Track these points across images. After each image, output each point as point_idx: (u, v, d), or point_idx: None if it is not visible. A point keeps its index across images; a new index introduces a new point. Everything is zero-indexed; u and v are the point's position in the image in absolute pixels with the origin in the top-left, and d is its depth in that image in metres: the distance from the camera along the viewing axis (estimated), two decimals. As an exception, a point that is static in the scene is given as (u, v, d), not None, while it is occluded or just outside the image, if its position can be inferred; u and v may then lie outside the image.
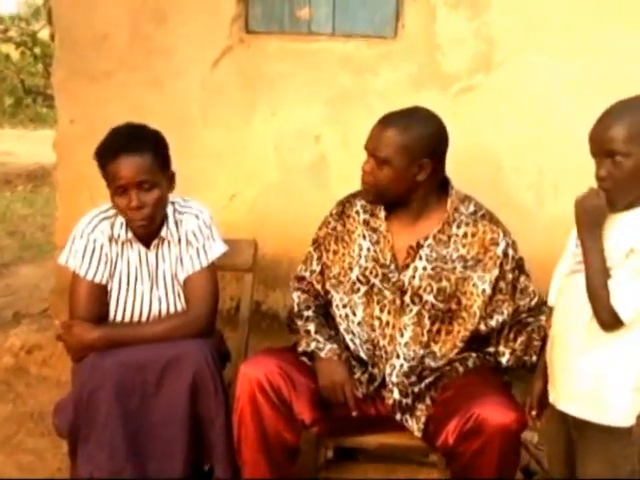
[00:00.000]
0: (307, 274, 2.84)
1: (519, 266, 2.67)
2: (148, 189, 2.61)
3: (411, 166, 2.56)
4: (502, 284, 2.63)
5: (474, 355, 2.68)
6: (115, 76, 3.78)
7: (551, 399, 2.33)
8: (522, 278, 2.67)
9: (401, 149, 2.54)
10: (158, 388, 2.58)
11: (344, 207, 2.80)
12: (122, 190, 2.60)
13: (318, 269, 2.82)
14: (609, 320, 2.12)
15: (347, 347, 2.70)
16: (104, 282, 2.74)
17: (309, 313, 2.77)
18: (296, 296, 2.84)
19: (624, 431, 2.19)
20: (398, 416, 2.63)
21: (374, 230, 2.70)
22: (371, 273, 2.67)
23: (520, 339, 2.65)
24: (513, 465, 2.50)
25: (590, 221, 2.18)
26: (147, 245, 2.77)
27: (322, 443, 2.76)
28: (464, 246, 2.62)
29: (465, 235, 2.63)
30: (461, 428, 2.39)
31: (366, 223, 2.72)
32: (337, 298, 2.74)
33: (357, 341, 2.70)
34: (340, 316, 2.73)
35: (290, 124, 3.72)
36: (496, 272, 2.62)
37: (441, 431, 2.45)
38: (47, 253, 5.66)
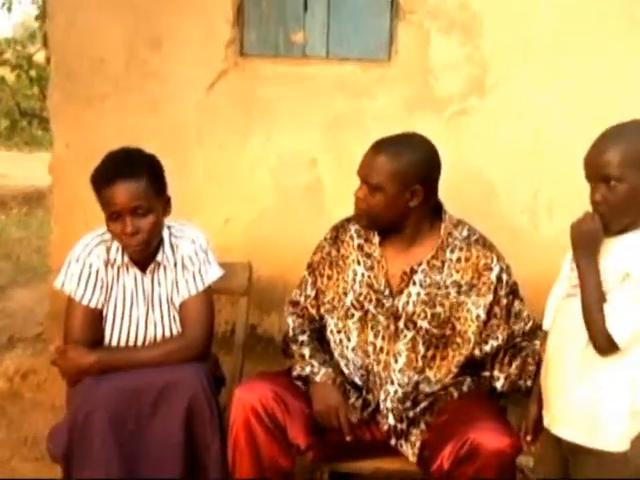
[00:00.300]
0: (302, 299, 2.84)
1: (513, 291, 2.66)
2: (143, 214, 2.60)
3: (403, 192, 2.56)
4: (496, 309, 2.63)
5: (469, 379, 2.68)
6: (111, 99, 3.79)
7: (546, 423, 2.33)
8: (516, 303, 2.66)
9: (393, 176, 2.54)
10: (154, 413, 2.57)
11: (338, 232, 2.79)
12: (117, 215, 2.60)
13: (313, 294, 2.81)
14: (605, 344, 2.12)
15: (342, 372, 2.69)
16: (99, 307, 2.74)
17: (304, 337, 2.77)
18: (291, 320, 2.84)
19: (619, 456, 2.18)
20: (393, 441, 2.62)
21: (368, 255, 2.70)
22: (365, 299, 2.67)
23: (515, 364, 2.64)
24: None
25: (586, 245, 2.18)
26: (143, 269, 2.76)
27: (317, 468, 2.74)
28: (458, 271, 2.62)
29: (459, 260, 2.63)
30: (456, 453, 2.38)
31: (360, 248, 2.72)
32: (332, 323, 2.73)
33: (351, 367, 2.69)
34: (334, 341, 2.73)
35: (285, 147, 3.73)
36: (490, 297, 2.62)
37: (436, 456, 2.44)
38: (42, 276, 5.63)
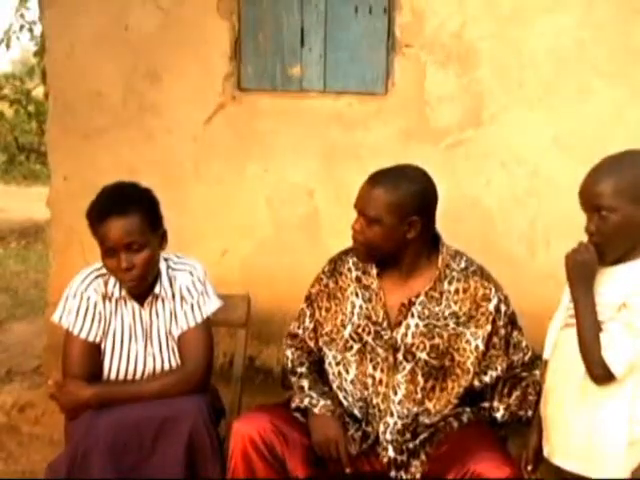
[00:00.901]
0: (300, 331, 2.84)
1: (512, 321, 2.66)
2: (137, 250, 2.60)
3: (401, 224, 2.55)
4: (495, 340, 2.62)
5: (468, 410, 2.66)
6: (108, 133, 3.82)
7: (545, 453, 2.32)
8: (515, 333, 2.66)
9: (390, 208, 2.53)
10: (154, 447, 2.56)
11: (336, 264, 2.79)
12: (112, 251, 2.60)
13: (311, 326, 2.81)
14: (601, 374, 2.12)
15: (340, 404, 2.68)
16: (97, 340, 2.73)
17: (302, 370, 2.76)
18: (289, 353, 2.83)
19: (618, 485, 2.18)
20: (393, 473, 2.60)
21: (366, 288, 2.70)
22: (364, 331, 2.66)
23: (515, 394, 2.63)
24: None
25: (581, 275, 2.19)
26: (141, 302, 2.76)
27: (316, 500, 2.73)
28: (456, 302, 2.62)
29: (457, 291, 2.63)
30: None
31: (358, 280, 2.72)
32: (330, 355, 2.73)
33: (350, 399, 2.68)
34: (333, 374, 2.72)
35: (282, 180, 3.75)
36: (489, 328, 2.61)
37: (437, 488, 2.43)
38: (40, 310, 5.62)
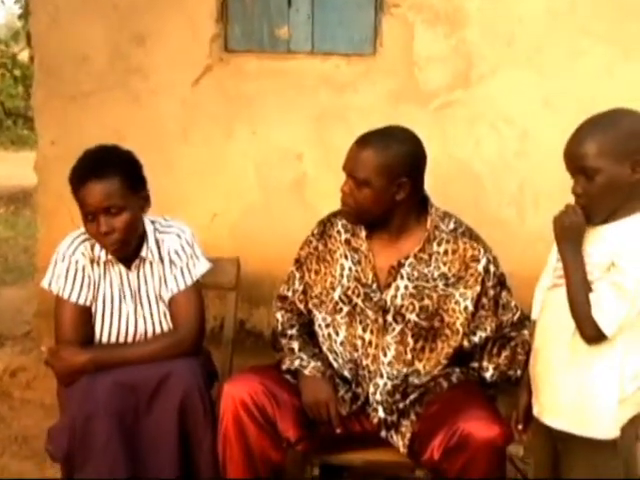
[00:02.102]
0: (289, 293, 2.84)
1: (501, 282, 2.67)
2: (116, 213, 2.59)
3: (390, 186, 2.55)
4: (484, 300, 2.64)
5: (458, 370, 2.68)
6: (95, 96, 3.78)
7: (535, 412, 2.33)
8: (504, 293, 2.67)
9: (379, 169, 2.53)
10: (149, 409, 2.58)
11: (325, 227, 2.79)
12: (91, 216, 2.59)
13: (300, 288, 2.81)
14: (592, 333, 2.13)
15: (331, 366, 2.69)
16: (88, 304, 2.74)
17: (293, 332, 2.77)
18: (279, 315, 2.84)
19: (609, 443, 2.19)
20: (383, 433, 2.62)
21: (355, 250, 2.70)
22: (353, 293, 2.67)
23: (504, 354, 2.65)
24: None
25: (569, 237, 2.20)
26: (128, 266, 2.75)
27: (308, 461, 2.74)
28: (445, 264, 2.63)
29: (446, 253, 2.63)
30: (446, 443, 2.39)
31: (347, 243, 2.72)
32: (319, 318, 2.73)
33: (340, 360, 2.69)
34: (323, 336, 2.73)
35: (271, 142, 3.73)
36: (478, 289, 2.62)
37: (426, 447, 2.45)
38: (30, 275, 5.61)
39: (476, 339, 2.65)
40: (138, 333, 2.77)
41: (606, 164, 2.12)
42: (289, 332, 2.77)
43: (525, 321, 2.64)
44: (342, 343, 2.68)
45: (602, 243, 2.16)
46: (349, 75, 3.64)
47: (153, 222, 2.79)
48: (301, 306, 2.82)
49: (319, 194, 3.63)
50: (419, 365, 2.64)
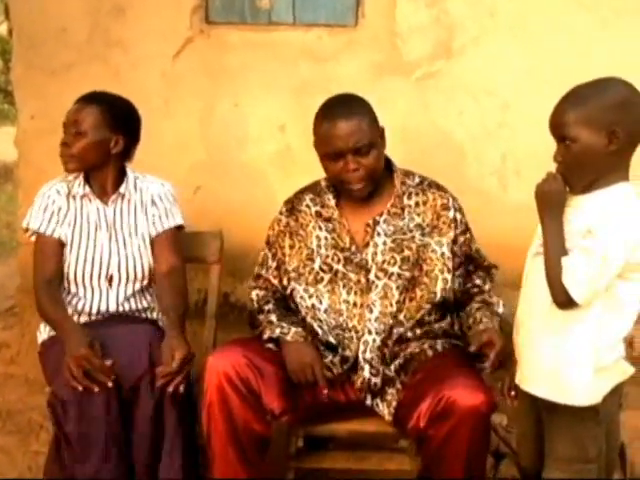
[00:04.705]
0: (263, 271, 2.87)
1: (469, 229, 2.79)
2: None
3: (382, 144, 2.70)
4: (456, 247, 2.73)
5: (443, 340, 2.73)
6: (75, 69, 3.74)
7: (517, 380, 2.36)
8: (473, 240, 2.80)
9: (373, 129, 2.66)
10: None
11: (293, 203, 2.84)
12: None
13: (274, 265, 2.84)
14: (562, 299, 2.15)
15: (316, 333, 2.71)
16: (64, 239, 2.82)
17: (269, 306, 2.79)
18: (254, 294, 2.86)
19: (590, 411, 2.22)
20: (368, 401, 2.64)
21: (328, 219, 2.74)
22: (333, 260, 2.70)
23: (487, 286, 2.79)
24: (484, 448, 2.52)
25: (549, 204, 2.21)
26: (105, 201, 2.87)
27: (292, 432, 2.76)
28: (419, 214, 2.71)
29: (417, 204, 2.73)
30: (432, 411, 2.42)
31: (318, 215, 2.77)
32: (300, 290, 2.75)
33: (325, 327, 2.71)
34: (307, 307, 2.74)
35: (253, 115, 3.71)
36: (451, 235, 2.72)
37: (412, 414, 2.47)
38: (12, 251, 5.60)
39: (455, 285, 2.75)
40: (112, 265, 2.85)
41: (583, 133, 2.13)
42: (266, 307, 2.79)
43: (492, 270, 2.82)
44: (326, 311, 2.70)
45: (581, 212, 2.18)
46: (331, 46, 3.61)
47: (136, 176, 2.93)
48: (275, 282, 2.84)
49: (302, 165, 3.61)
50: (401, 315, 2.67)
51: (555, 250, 2.16)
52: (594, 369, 2.19)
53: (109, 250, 2.84)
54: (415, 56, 3.58)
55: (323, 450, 2.92)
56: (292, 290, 2.77)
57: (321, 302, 2.71)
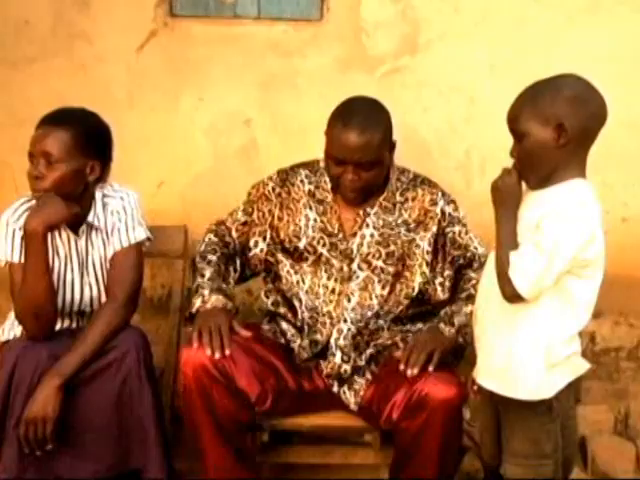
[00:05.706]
0: (228, 221, 2.89)
1: (459, 221, 2.78)
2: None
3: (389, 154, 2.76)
4: (441, 241, 2.74)
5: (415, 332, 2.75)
6: (37, 63, 3.69)
7: (473, 374, 2.38)
8: (462, 233, 2.78)
9: (382, 145, 2.67)
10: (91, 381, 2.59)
11: (287, 175, 2.85)
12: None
13: (242, 219, 2.86)
14: (509, 292, 2.15)
15: (295, 313, 2.74)
16: None
17: (212, 257, 2.80)
18: (208, 237, 2.89)
19: (543, 407, 2.24)
20: (335, 388, 2.65)
21: (320, 202, 2.77)
22: (318, 243, 2.73)
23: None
24: (456, 439, 2.56)
25: (502, 199, 2.24)
26: (76, 231, 2.74)
27: (258, 429, 2.75)
28: (406, 210, 2.75)
29: (407, 200, 2.76)
30: (405, 404, 2.46)
31: (312, 195, 2.78)
32: (287, 264, 2.77)
33: (303, 307, 2.73)
34: (291, 282, 2.76)
35: (218, 109, 3.69)
36: (434, 229, 2.73)
37: (384, 407, 2.49)
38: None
39: (436, 282, 2.75)
40: (84, 300, 2.77)
41: (533, 128, 2.16)
42: (209, 257, 2.81)
43: (474, 262, 2.77)
44: (307, 291, 2.73)
45: (533, 207, 2.20)
46: (296, 41, 3.61)
47: (102, 188, 2.78)
48: (235, 234, 2.87)
49: (268, 159, 3.60)
50: (378, 307, 2.69)
51: (506, 244, 2.17)
52: (546, 364, 2.20)
53: (80, 287, 2.77)
54: (380, 51, 3.58)
55: (288, 444, 2.93)
56: (278, 262, 2.79)
57: (304, 282, 2.73)
